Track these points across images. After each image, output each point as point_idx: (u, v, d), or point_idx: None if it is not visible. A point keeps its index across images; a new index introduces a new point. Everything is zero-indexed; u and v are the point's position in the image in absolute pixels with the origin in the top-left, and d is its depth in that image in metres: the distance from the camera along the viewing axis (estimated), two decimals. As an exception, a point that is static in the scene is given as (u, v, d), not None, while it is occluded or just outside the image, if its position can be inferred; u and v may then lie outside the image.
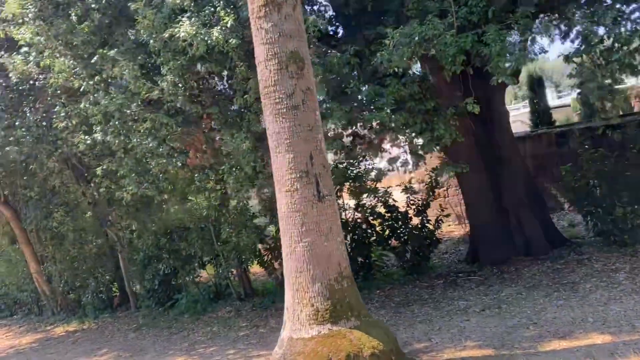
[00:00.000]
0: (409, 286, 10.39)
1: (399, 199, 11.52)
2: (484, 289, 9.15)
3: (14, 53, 9.55)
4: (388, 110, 8.12)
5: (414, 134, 9.28)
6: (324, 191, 6.01)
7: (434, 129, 8.56)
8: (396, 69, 8.16)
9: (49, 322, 15.11)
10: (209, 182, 9.47)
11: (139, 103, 8.60)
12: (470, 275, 10.22)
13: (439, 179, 11.24)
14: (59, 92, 9.48)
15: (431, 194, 11.60)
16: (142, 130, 8.83)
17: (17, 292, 17.04)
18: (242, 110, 8.43)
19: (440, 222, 11.25)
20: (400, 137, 10.02)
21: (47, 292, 15.88)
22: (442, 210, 11.54)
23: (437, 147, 9.50)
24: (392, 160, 11.20)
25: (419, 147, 9.96)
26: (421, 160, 10.78)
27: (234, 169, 8.68)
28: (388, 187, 11.40)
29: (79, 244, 15.01)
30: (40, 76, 9.81)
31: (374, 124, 8.77)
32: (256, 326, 10.29)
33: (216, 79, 9.52)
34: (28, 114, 9.93)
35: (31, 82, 10.22)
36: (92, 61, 8.63)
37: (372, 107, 8.39)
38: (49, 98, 9.98)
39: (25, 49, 9.39)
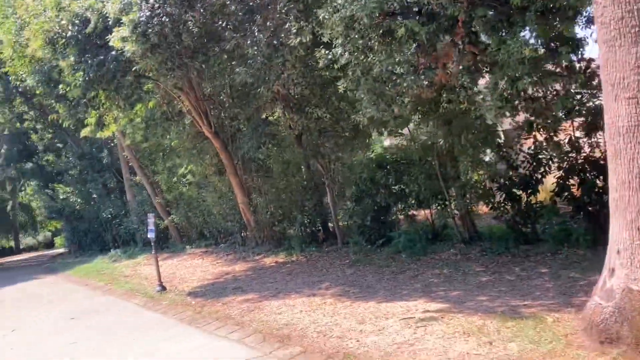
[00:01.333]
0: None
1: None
2: None
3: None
4: None
5: None
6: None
7: None
8: None
9: (255, 253, 15.36)
10: (462, 103, 8.10)
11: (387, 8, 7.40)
12: None
13: None
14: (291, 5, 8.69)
15: None
16: (385, 42, 7.70)
17: (222, 222, 17.66)
18: (516, 8, 6.83)
19: None
20: None
21: (252, 223, 16.15)
22: None
23: None
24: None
25: None
26: None
27: (499, 85, 7.20)
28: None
29: (285, 176, 14.83)
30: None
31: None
32: (497, 272, 9.00)
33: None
34: (256, 32, 9.31)
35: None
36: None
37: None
38: (277, 15, 9.26)
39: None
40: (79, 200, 27.58)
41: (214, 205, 17.74)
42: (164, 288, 11.96)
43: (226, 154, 15.83)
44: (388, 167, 11.71)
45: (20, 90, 25.55)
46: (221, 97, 16.04)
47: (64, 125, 14.62)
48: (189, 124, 16.34)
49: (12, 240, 50.21)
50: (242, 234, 17.23)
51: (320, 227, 14.69)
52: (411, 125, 11.58)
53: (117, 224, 24.85)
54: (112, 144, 25.37)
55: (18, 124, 27.80)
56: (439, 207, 11.39)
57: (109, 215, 25.30)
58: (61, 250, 39.49)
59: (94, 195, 26.38)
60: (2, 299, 15.05)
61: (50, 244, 50.94)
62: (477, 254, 10.37)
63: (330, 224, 15.40)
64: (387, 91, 8.32)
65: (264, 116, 13.59)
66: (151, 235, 12.15)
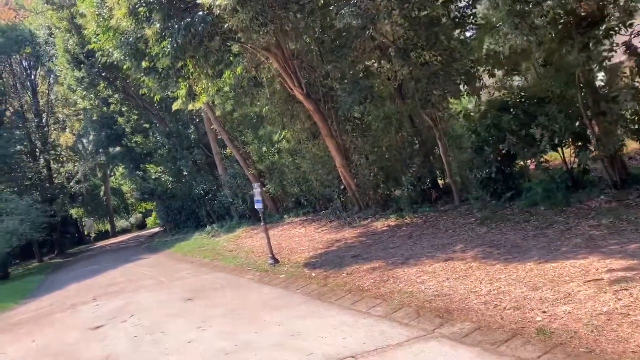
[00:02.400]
0: None
1: None
2: None
3: None
4: None
5: None
6: None
7: None
8: None
9: (361, 217, 14.39)
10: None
11: None
12: None
13: None
14: None
15: None
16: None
17: (320, 188, 16.80)
18: None
19: None
20: None
21: (353, 186, 15.16)
22: None
23: None
24: None
25: None
26: None
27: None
28: None
29: (387, 133, 13.66)
30: None
31: None
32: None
33: None
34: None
35: None
36: None
37: None
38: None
39: None
40: (170, 179, 27.81)
41: (310, 172, 16.89)
42: (276, 260, 11.27)
43: (320, 116, 14.84)
44: (514, 109, 10.22)
45: (104, 74, 25.83)
46: (310, 56, 14.99)
47: (155, 99, 14.10)
48: (278, 88, 15.46)
49: (107, 224, 52.56)
50: (342, 198, 16.30)
51: (430, 185, 13.42)
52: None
53: (211, 199, 24.77)
54: (198, 120, 25.15)
55: (104, 108, 28.22)
56: (578, 150, 9.83)
57: (202, 191, 25.26)
58: (156, 229, 40.70)
59: (185, 173, 26.43)
60: (114, 281, 15.07)
61: (142, 225, 53.09)
62: (637, 199, 8.82)
63: (440, 181, 14.14)
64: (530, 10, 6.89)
65: (361, 68, 12.36)
66: (259, 205, 11.45)
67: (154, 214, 47.70)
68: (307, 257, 11.50)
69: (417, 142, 13.42)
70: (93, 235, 52.90)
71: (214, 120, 20.60)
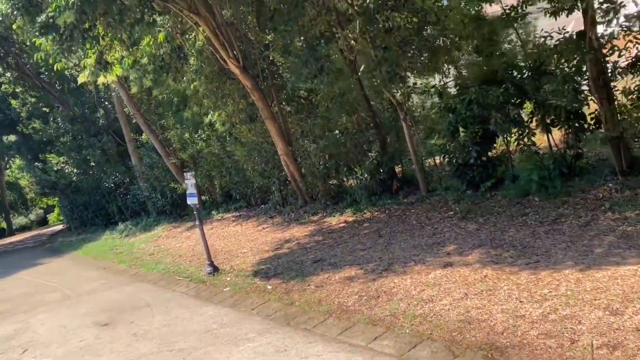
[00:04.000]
0: None
1: None
2: None
3: None
4: None
5: None
6: None
7: None
8: None
9: (309, 212, 12.45)
10: None
11: None
12: None
13: None
14: None
15: None
16: None
17: (258, 179, 14.62)
18: None
19: None
20: None
21: (297, 176, 13.16)
22: None
23: None
24: None
25: None
26: None
27: None
28: None
29: (340, 114, 11.78)
30: None
31: None
32: None
33: None
34: None
35: None
36: None
37: None
38: None
39: None
40: (74, 170, 24.33)
41: (245, 160, 14.66)
42: (215, 268, 9.06)
43: (259, 94, 12.66)
44: (505, 82, 8.64)
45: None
46: (247, 24, 12.79)
47: (55, 68, 11.26)
48: (208, 61, 13.10)
49: (3, 222, 46.96)
50: (284, 191, 14.24)
51: (389, 174, 11.69)
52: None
53: (123, 194, 21.74)
54: (107, 103, 22.02)
55: (-6, 90, 24.27)
56: (576, 131, 8.44)
57: (112, 185, 22.15)
58: (59, 227, 36.45)
59: (92, 164, 23.12)
60: (4, 295, 12.10)
61: (43, 222, 48.16)
62: (646, 186, 7.55)
63: (398, 169, 12.46)
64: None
65: (316, 34, 10.31)
66: (193, 200, 9.15)
67: (56, 209, 43.11)
68: (253, 262, 9.38)
69: (374, 124, 11.63)
70: (-16, 234, 47.07)
71: (128, 101, 17.73)
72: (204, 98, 13.85)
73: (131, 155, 20.56)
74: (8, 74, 23.52)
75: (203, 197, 18.09)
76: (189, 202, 9.32)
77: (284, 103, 13.13)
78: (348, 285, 6.70)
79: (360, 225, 10.13)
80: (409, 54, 9.42)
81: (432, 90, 9.99)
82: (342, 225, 10.63)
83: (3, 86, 24.18)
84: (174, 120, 17.17)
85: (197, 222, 9.14)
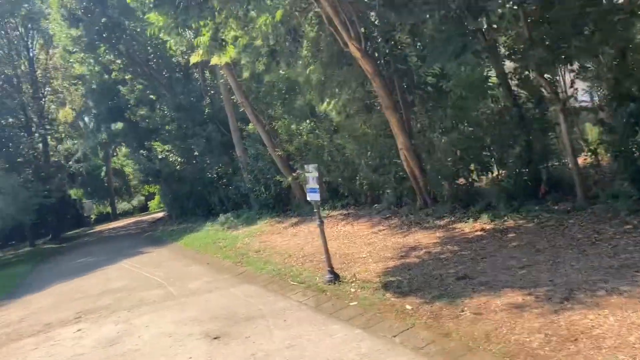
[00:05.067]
0: None
1: None
2: None
3: None
4: None
5: None
6: None
7: None
8: None
9: (434, 216, 10.91)
10: None
11: None
12: None
13: None
14: None
15: None
16: None
17: (371, 175, 13.31)
18: None
19: None
20: None
21: (418, 174, 11.69)
22: None
23: None
24: None
25: None
26: None
27: None
28: None
29: (475, 104, 10.19)
30: None
31: None
32: None
33: None
34: None
35: None
36: None
37: None
38: None
39: None
40: (178, 159, 24.32)
41: (356, 155, 13.41)
42: (336, 276, 7.83)
43: (380, 81, 11.34)
44: None
45: (104, 35, 22.30)
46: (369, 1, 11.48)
47: (168, 46, 10.61)
48: (324, 43, 11.96)
49: (108, 207, 49.35)
50: (398, 190, 12.83)
51: (536, 177, 9.91)
52: None
53: (225, 185, 21.31)
54: (213, 92, 21.64)
55: (105, 76, 24.66)
56: None
57: (215, 175, 21.80)
58: (159, 214, 37.37)
59: (196, 153, 22.90)
60: (108, 287, 11.68)
61: (144, 208, 50.04)
62: None
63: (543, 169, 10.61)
64: None
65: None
66: (313, 195, 7.96)
67: (157, 196, 44.50)
68: (377, 271, 8.06)
69: (518, 116, 9.90)
70: (93, 217, 49.65)
71: (236, 88, 17.07)
72: (318, 85, 12.71)
73: (235, 146, 19.97)
74: (119, 61, 23.86)
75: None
76: (309, 198, 8.15)
77: (407, 92, 11.70)
78: (520, 317, 5.19)
79: (505, 236, 8.50)
80: (580, 33, 7.64)
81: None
82: (478, 233, 9.04)
83: (113, 73, 24.60)
84: (281, 110, 16.26)
85: (317, 222, 7.92)
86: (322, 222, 7.95)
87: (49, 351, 7.31)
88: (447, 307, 5.86)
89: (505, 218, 9.33)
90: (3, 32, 32.23)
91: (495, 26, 9.45)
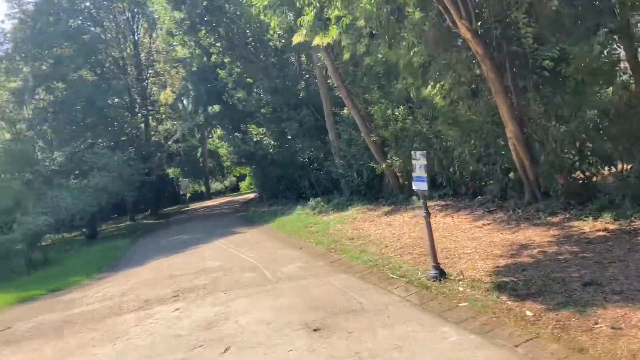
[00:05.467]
0: None
1: None
2: None
3: None
4: None
5: None
6: None
7: None
8: None
9: (545, 212, 10.00)
10: None
11: None
12: None
13: None
14: None
15: None
16: None
17: (474, 165, 12.53)
18: None
19: None
20: None
21: (527, 165, 10.79)
22: None
23: None
24: None
25: None
26: None
27: None
28: None
29: (597, 88, 9.17)
30: None
31: None
32: None
33: None
34: None
35: None
36: None
37: None
38: None
39: None
40: (272, 142, 24.51)
41: (460, 142, 12.66)
42: (442, 272, 7.29)
43: (491, 64, 10.51)
44: None
45: (206, 18, 22.74)
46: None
47: (272, 25, 10.43)
48: (429, 24, 11.28)
49: (203, 186, 51.46)
50: (503, 182, 11.97)
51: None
52: None
53: (316, 169, 21.17)
54: (308, 76, 21.47)
55: (205, 59, 25.23)
56: None
57: (306, 159, 21.72)
58: (250, 195, 38.24)
59: (289, 137, 22.93)
60: (204, 266, 11.84)
61: (235, 189, 51.86)
62: None
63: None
64: None
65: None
66: (420, 185, 7.44)
67: (247, 178, 45.70)
68: (486, 269, 7.44)
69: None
70: (188, 195, 51.96)
71: (332, 71, 16.73)
72: (421, 68, 12.06)
73: (328, 130, 19.73)
74: (218, 44, 24.28)
75: (401, 181, 16.49)
76: (415, 188, 7.64)
77: (520, 77, 10.79)
78: (670, 337, 4.45)
79: (634, 238, 7.56)
80: None
81: None
82: (601, 234, 8.13)
83: (213, 57, 25.11)
84: (378, 95, 15.74)
85: (424, 213, 7.40)
86: (428, 214, 7.43)
87: (149, 329, 7.38)
88: (577, 317, 5.19)
89: (633, 218, 8.33)
90: (112, 16, 34.00)
91: (630, 3, 8.40)
